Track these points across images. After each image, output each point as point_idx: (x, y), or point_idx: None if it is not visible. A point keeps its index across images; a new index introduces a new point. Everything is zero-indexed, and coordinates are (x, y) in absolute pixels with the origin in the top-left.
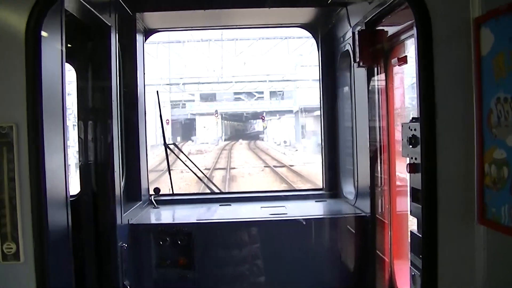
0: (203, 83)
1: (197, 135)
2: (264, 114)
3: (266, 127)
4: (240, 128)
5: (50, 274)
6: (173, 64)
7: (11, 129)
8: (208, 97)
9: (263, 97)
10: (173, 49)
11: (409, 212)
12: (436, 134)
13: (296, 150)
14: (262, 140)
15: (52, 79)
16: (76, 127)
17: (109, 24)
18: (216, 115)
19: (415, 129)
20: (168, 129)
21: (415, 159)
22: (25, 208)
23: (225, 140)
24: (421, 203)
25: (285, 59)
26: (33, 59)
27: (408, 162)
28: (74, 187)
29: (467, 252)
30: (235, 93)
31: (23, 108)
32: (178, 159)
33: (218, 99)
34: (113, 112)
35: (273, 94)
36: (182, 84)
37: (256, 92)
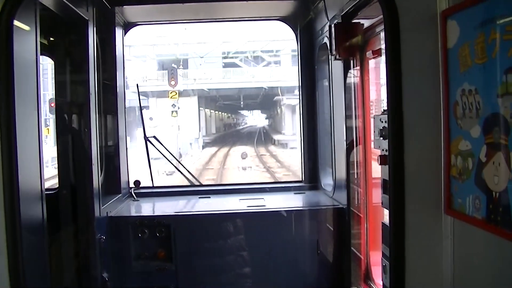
0: None
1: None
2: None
3: None
4: (231, 121)
5: (23, 269)
6: None
7: None
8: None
9: (279, 61)
10: None
11: (381, 204)
12: (403, 125)
13: None
14: (286, 147)
15: (26, 71)
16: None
17: (86, 18)
18: (174, 83)
19: (385, 121)
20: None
21: (386, 151)
22: None
23: (204, 147)
24: (389, 194)
25: None
26: (6, 51)
27: (380, 154)
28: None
29: (435, 241)
30: (225, 56)
31: None
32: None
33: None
34: (91, 105)
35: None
36: None
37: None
